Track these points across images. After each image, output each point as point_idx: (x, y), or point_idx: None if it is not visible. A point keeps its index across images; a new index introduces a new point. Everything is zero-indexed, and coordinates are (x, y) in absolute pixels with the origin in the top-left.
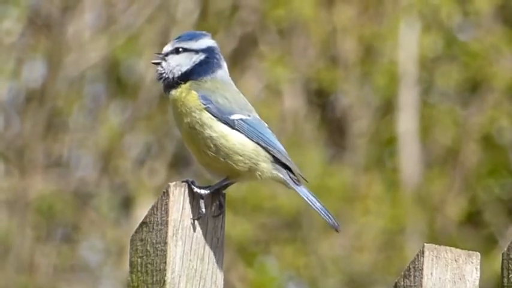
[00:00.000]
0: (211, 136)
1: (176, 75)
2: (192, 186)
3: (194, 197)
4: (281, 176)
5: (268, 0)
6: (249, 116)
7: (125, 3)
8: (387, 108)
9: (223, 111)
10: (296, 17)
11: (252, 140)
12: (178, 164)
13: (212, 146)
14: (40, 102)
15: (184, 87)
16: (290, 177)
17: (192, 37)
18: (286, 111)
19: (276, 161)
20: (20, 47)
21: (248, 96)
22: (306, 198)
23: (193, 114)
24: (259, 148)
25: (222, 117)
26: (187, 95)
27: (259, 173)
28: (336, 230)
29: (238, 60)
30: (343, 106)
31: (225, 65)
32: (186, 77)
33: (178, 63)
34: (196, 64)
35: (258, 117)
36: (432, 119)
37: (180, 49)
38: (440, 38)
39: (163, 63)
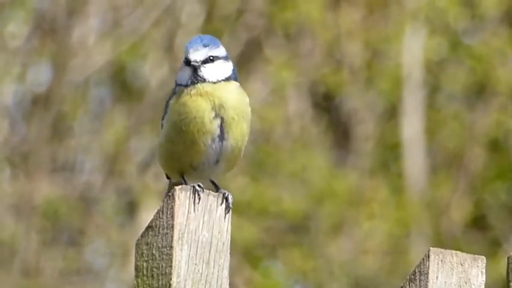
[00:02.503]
0: (248, 130)
1: (220, 79)
2: (198, 189)
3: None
4: None
5: (274, 3)
6: None
7: (130, 7)
8: (392, 112)
9: None
10: (302, 20)
11: None
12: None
13: (246, 140)
14: (45, 107)
15: (232, 84)
16: None
17: (216, 44)
18: (291, 115)
19: None
20: (26, 51)
21: (254, 99)
22: None
23: (246, 111)
24: None
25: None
26: (245, 96)
27: None
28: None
29: (244, 64)
30: (349, 110)
31: None
32: (228, 79)
33: (217, 70)
34: (232, 70)
35: None
36: (438, 122)
37: (211, 57)
38: (446, 41)
39: (203, 69)
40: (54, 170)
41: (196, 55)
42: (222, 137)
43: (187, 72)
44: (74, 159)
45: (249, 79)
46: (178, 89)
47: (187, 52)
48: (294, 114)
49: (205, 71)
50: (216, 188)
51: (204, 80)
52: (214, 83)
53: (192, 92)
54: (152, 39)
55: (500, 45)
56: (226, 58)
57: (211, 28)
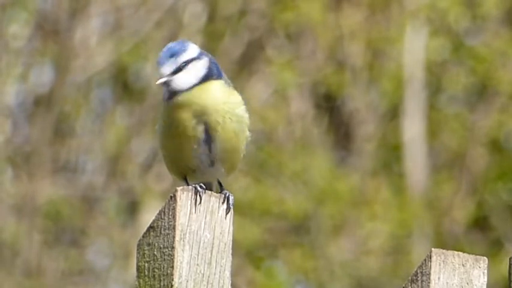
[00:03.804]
0: (247, 127)
1: (196, 82)
2: (200, 190)
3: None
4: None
5: (276, 4)
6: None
7: (132, 8)
8: (394, 113)
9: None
10: (304, 21)
11: None
12: None
13: (246, 139)
14: (47, 107)
15: (216, 84)
16: None
17: (182, 48)
18: (293, 115)
19: None
20: (28, 52)
21: (255, 100)
22: None
23: (235, 111)
24: None
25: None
26: (230, 94)
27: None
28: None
29: (245, 65)
30: (351, 110)
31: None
32: (205, 79)
33: (190, 75)
34: (208, 68)
35: None
36: (439, 123)
37: (182, 64)
38: (448, 42)
39: (175, 80)
40: (56, 170)
41: (164, 69)
42: (209, 140)
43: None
44: (76, 160)
45: (250, 80)
46: (163, 103)
47: (157, 68)
48: (295, 115)
49: (177, 81)
50: (221, 188)
51: (179, 91)
52: (191, 89)
53: (172, 105)
54: (154, 40)
55: (502, 46)
56: (199, 57)
57: (213, 29)
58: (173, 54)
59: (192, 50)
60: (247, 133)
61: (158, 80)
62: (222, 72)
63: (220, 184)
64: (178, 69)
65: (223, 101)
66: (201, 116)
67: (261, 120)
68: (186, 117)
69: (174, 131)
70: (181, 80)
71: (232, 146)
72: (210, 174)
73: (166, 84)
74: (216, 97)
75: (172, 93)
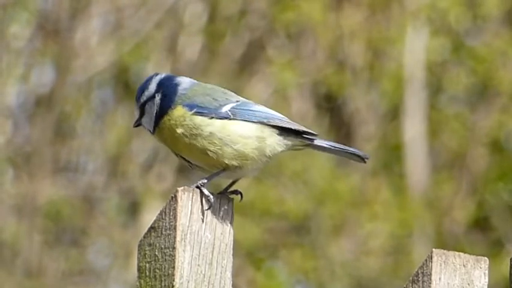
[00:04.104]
0: (211, 132)
1: (156, 117)
2: (207, 193)
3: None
4: (292, 142)
5: (276, 4)
6: (238, 101)
7: (133, 8)
8: (395, 113)
9: (212, 109)
10: (304, 21)
11: (252, 121)
12: (185, 169)
13: (216, 141)
14: (48, 107)
15: (165, 115)
16: (302, 136)
17: (143, 88)
18: (294, 115)
19: (282, 131)
20: (29, 52)
21: (256, 100)
22: (325, 145)
23: (184, 123)
24: (262, 126)
25: (215, 114)
26: (173, 110)
27: (270, 150)
28: (365, 160)
29: (246, 65)
30: (351, 110)
31: (187, 79)
32: (163, 112)
33: (151, 112)
34: (160, 104)
35: (244, 99)
36: (440, 123)
37: (141, 107)
38: (448, 42)
39: (143, 123)
40: (57, 170)
41: (135, 113)
42: (179, 154)
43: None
44: (77, 160)
45: (251, 80)
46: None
47: None
48: (296, 115)
49: (145, 124)
50: (227, 189)
51: (153, 132)
52: (155, 129)
53: (156, 138)
54: (155, 40)
55: (502, 46)
56: (153, 95)
57: (214, 29)
58: (137, 97)
59: (151, 86)
60: (206, 133)
61: (133, 124)
62: (175, 91)
63: (230, 186)
64: (141, 113)
65: (166, 120)
66: (170, 144)
67: None
68: (162, 142)
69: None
70: (146, 123)
71: (190, 152)
72: (202, 172)
73: (140, 126)
74: (163, 122)
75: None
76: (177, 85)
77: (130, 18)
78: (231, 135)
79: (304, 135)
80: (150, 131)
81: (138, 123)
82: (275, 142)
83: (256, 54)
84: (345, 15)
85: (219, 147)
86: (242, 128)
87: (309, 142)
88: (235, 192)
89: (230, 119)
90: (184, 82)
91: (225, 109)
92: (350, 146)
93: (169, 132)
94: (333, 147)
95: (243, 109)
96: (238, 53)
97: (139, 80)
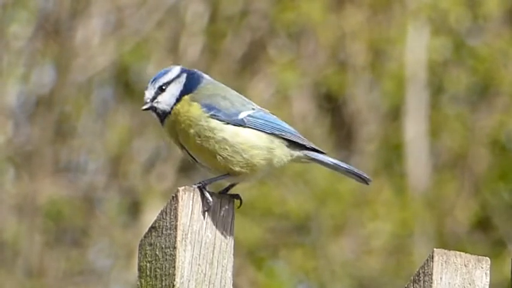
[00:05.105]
0: (224, 138)
1: (173, 103)
2: (207, 195)
3: (201, 193)
4: (299, 153)
5: (277, 4)
6: (254, 109)
7: (134, 7)
8: (396, 113)
9: (229, 114)
10: (305, 21)
11: (265, 132)
12: (186, 169)
13: (228, 147)
14: (49, 107)
15: (183, 101)
16: (309, 150)
17: (165, 72)
18: (295, 116)
19: (291, 143)
20: (29, 52)
21: (257, 100)
22: (331, 163)
23: (199, 123)
24: (273, 137)
25: (230, 120)
26: (190, 107)
27: (277, 161)
28: (368, 182)
29: (247, 65)
30: (352, 110)
31: (206, 75)
32: (181, 96)
33: (171, 95)
34: (184, 83)
35: (259, 107)
36: (441, 123)
37: (163, 86)
38: (449, 42)
39: (158, 105)
40: (57, 170)
41: (147, 94)
42: (183, 147)
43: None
44: (78, 160)
45: (252, 80)
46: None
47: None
48: (297, 115)
49: (160, 104)
50: (226, 190)
51: (164, 114)
52: (171, 112)
53: (165, 129)
54: (156, 40)
55: (503, 46)
56: (178, 76)
57: (215, 29)
58: (154, 80)
59: (174, 71)
60: (219, 138)
61: (144, 102)
62: (198, 81)
63: (230, 187)
64: (159, 91)
65: (183, 113)
66: (178, 134)
67: None
68: (172, 135)
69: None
70: (164, 102)
71: (199, 151)
72: (204, 170)
73: (151, 109)
74: (179, 112)
75: (161, 120)
76: (200, 77)
77: (130, 18)
78: (243, 144)
79: (312, 151)
80: (163, 114)
81: (151, 105)
82: (283, 154)
83: (257, 54)
84: (346, 15)
85: (229, 154)
86: (254, 138)
87: (315, 157)
88: (235, 196)
89: (244, 127)
90: (207, 78)
91: (241, 116)
92: (357, 170)
93: (182, 128)
94: (338, 166)
95: (258, 118)
96: (240, 53)
97: (140, 80)
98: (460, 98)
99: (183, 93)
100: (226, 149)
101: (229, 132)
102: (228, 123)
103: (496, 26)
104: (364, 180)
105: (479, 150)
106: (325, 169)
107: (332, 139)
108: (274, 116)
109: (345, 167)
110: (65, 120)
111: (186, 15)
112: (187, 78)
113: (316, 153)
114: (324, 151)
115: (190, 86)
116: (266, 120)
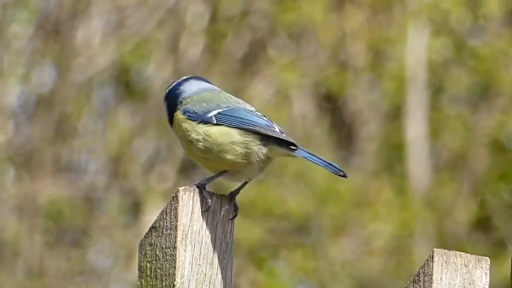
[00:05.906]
0: (196, 138)
1: (169, 111)
2: (206, 196)
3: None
4: (274, 150)
5: (278, 5)
6: (227, 107)
7: (134, 7)
8: (396, 113)
9: (200, 113)
10: (306, 21)
11: (234, 127)
12: (187, 169)
13: (202, 147)
14: (49, 107)
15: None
16: (285, 146)
17: (176, 84)
18: (295, 116)
19: (265, 137)
20: (29, 52)
21: (257, 100)
22: (307, 156)
23: (182, 127)
24: (243, 132)
25: (200, 118)
26: (176, 116)
27: (257, 157)
28: (343, 176)
29: (248, 65)
30: (353, 110)
31: (196, 80)
32: (171, 109)
33: (169, 105)
34: (165, 104)
35: (244, 106)
36: (441, 123)
37: (165, 97)
38: (450, 42)
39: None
40: (58, 170)
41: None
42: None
43: None
44: (78, 160)
45: (252, 80)
46: None
47: None
48: (297, 115)
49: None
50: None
51: (171, 125)
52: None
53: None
54: (156, 40)
55: (504, 46)
56: (176, 88)
57: (215, 29)
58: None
59: (177, 83)
60: (192, 138)
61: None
62: (183, 91)
63: (240, 188)
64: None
65: (175, 122)
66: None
67: None
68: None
69: None
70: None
71: (191, 156)
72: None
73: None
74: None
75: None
76: (184, 90)
77: (131, 18)
78: (213, 141)
79: (289, 146)
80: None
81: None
82: (260, 148)
83: (257, 54)
84: (347, 15)
85: (204, 151)
86: (223, 134)
87: (289, 152)
88: (235, 207)
89: (214, 124)
90: (196, 86)
91: (211, 114)
92: (331, 163)
93: (176, 133)
94: (314, 160)
95: (227, 115)
96: (240, 54)
97: (141, 80)
98: (460, 99)
99: (170, 109)
100: (201, 149)
101: (200, 131)
102: (199, 123)
103: (496, 27)
104: (339, 175)
105: (479, 150)
106: (325, 170)
107: (332, 139)
108: (247, 112)
109: (321, 160)
110: (66, 120)
111: (187, 16)
112: (166, 96)
113: (291, 151)
114: (295, 142)
115: (175, 100)
116: (233, 116)
